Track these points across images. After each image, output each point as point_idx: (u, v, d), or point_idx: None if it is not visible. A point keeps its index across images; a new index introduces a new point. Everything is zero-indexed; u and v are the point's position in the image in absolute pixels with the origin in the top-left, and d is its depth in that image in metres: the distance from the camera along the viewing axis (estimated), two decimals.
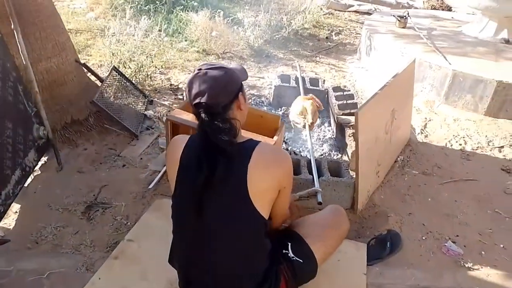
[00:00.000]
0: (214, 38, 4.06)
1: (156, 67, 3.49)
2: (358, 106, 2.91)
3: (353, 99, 3.04)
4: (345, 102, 2.97)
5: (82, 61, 3.58)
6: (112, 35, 3.33)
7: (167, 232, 1.50)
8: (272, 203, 1.38)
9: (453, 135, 3.03)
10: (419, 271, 1.90)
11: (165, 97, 3.23)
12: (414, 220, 2.22)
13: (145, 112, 2.95)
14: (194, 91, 1.32)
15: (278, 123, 2.08)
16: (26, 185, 2.18)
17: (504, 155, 2.85)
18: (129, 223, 2.02)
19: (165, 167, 2.38)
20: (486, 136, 3.02)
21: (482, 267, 1.94)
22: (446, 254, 2.02)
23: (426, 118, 3.23)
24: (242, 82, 1.42)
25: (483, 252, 2.04)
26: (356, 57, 4.32)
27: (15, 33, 2.17)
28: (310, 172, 2.23)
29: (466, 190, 2.50)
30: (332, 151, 2.78)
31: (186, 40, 4.09)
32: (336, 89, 3.19)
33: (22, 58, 2.20)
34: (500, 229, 2.21)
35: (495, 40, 3.95)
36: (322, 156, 2.70)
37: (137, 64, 3.18)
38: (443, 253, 2.02)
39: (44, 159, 2.42)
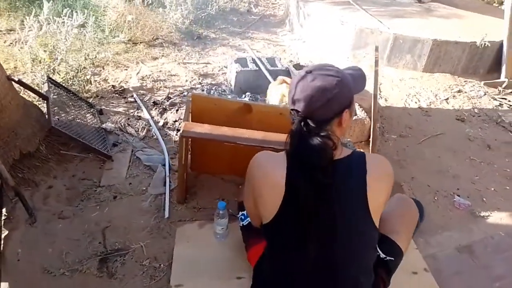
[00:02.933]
0: (138, 24, 3.53)
1: (86, 68, 2.90)
2: None
3: None
4: None
5: None
6: (26, 38, 2.62)
7: (210, 260, 1.37)
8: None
9: (406, 95, 3.27)
10: (453, 232, 2.04)
11: (113, 103, 2.73)
12: (420, 183, 2.36)
13: (103, 125, 2.46)
14: (294, 95, 1.17)
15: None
16: None
17: (452, 106, 3.19)
18: (162, 265, 1.70)
19: (166, 187, 2.04)
20: (431, 91, 3.34)
21: (491, 212, 2.18)
22: (460, 208, 2.21)
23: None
24: (354, 95, 1.25)
25: (484, 199, 2.28)
26: (287, 28, 4.27)
27: None
28: None
29: (440, 145, 2.75)
30: None
31: (103, 31, 3.48)
32: (297, 66, 3.11)
33: None
34: (483, 174, 2.50)
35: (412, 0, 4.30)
36: None
37: (72, 68, 2.59)
38: (457, 208, 2.21)
39: (3, 212, 1.85)
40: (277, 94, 2.64)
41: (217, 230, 1.75)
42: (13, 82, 2.07)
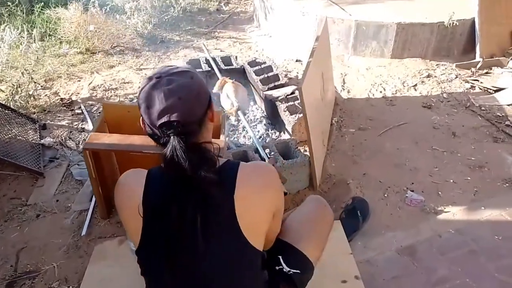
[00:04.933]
0: (95, 33, 3.49)
1: (35, 83, 2.86)
2: (280, 78, 2.77)
3: (272, 71, 2.87)
4: (266, 75, 2.79)
5: None
6: None
7: (124, 279, 1.18)
8: (266, 231, 1.15)
9: (371, 84, 3.09)
10: (397, 231, 1.88)
11: (59, 116, 2.68)
12: (370, 180, 2.20)
13: (42, 141, 2.41)
14: (158, 107, 0.98)
15: (220, 119, 1.81)
16: None
17: (420, 93, 2.99)
18: (71, 287, 1.62)
19: (92, 202, 1.96)
20: (399, 78, 3.14)
21: (445, 207, 2.00)
22: (411, 205, 2.04)
23: (341, 74, 3.23)
24: None
25: (440, 193, 2.11)
26: (255, 24, 4.14)
27: None
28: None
29: (402, 135, 2.57)
30: (268, 130, 2.61)
31: (61, 43, 3.45)
32: (252, 63, 2.98)
33: None
34: (444, 164, 2.31)
35: None
36: (261, 140, 2.52)
37: (12, 84, 2.55)
38: (408, 204, 2.04)
39: None
40: (224, 97, 2.53)
41: (131, 246, 1.65)
42: None
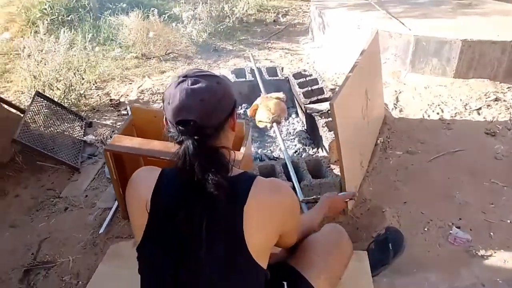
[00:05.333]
0: (154, 39, 3.63)
1: (90, 83, 3.03)
2: (325, 91, 2.64)
3: (318, 84, 2.74)
4: (309, 88, 2.68)
5: (1, 90, 3.08)
6: (28, 56, 2.83)
7: (131, 281, 1.13)
8: (271, 249, 1.08)
9: (428, 104, 2.83)
10: (432, 272, 1.65)
11: (106, 116, 2.80)
12: (411, 210, 1.98)
13: (84, 137, 2.51)
14: (177, 104, 0.96)
15: (243, 130, 1.74)
16: None
17: (484, 117, 2.67)
18: (80, 282, 1.63)
19: (116, 202, 1.98)
20: (461, 99, 2.84)
21: (495, 252, 1.72)
22: (454, 244, 1.78)
23: (396, 91, 3.01)
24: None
25: (492, 233, 1.82)
26: (309, 37, 4.04)
27: None
28: (289, 178, 1.92)
29: (456, 163, 2.29)
30: (306, 146, 2.48)
31: (121, 47, 3.64)
32: (297, 75, 2.89)
33: None
34: (502, 201, 2.01)
35: None
36: (297, 154, 2.40)
37: (65, 83, 2.71)
38: (451, 243, 1.79)
39: None
40: (264, 110, 2.44)
41: None
42: None
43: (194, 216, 0.96)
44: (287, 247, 1.26)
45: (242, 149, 1.66)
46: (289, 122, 2.74)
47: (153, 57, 3.57)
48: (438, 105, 2.81)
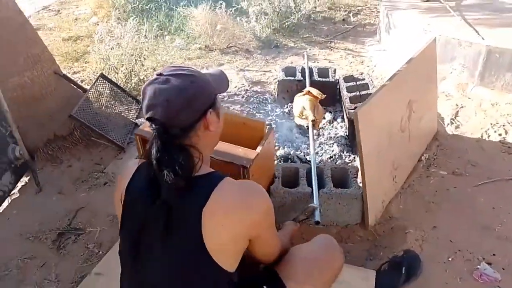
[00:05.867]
0: (218, 32, 3.76)
1: (153, 69, 3.25)
2: None
3: (368, 89, 2.63)
4: (357, 93, 2.58)
5: (79, 70, 3.44)
6: (100, 40, 3.12)
7: None
8: (241, 252, 1.08)
9: (491, 123, 2.55)
10: None
11: None
12: (440, 236, 1.83)
13: (136, 120, 2.72)
14: (147, 101, 1.01)
15: (263, 130, 1.76)
16: (0, 210, 2.02)
17: None
18: (101, 252, 1.80)
19: None
20: None
21: None
22: (479, 280, 1.62)
23: (457, 105, 2.76)
24: (218, 95, 1.12)
25: None
26: (376, 38, 3.85)
27: None
28: (310, 184, 1.90)
29: (508, 193, 2.06)
30: (343, 152, 2.41)
31: (188, 37, 3.83)
32: (348, 79, 2.80)
33: None
34: None
35: None
36: (332, 160, 2.34)
37: (127, 68, 2.95)
38: (475, 279, 1.63)
39: (25, 179, 2.26)
40: (298, 106, 2.44)
41: None
42: (60, 76, 2.50)
43: (150, 212, 1.00)
44: (268, 260, 1.22)
45: (258, 149, 1.68)
46: (332, 126, 2.67)
47: (215, 49, 3.70)
48: (503, 125, 2.52)
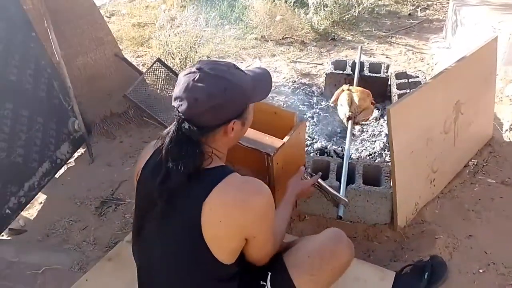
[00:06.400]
0: (276, 23, 3.79)
1: (208, 57, 3.38)
2: None
3: None
4: (408, 91, 2.46)
5: (142, 54, 3.69)
6: (161, 27, 3.31)
7: None
8: (239, 250, 1.11)
9: None
10: None
11: None
12: (474, 246, 1.72)
13: None
14: (177, 92, 1.05)
15: (294, 120, 1.76)
16: (57, 176, 2.27)
17: None
18: None
19: None
20: None
21: None
22: None
23: None
24: (250, 104, 1.14)
25: None
26: (441, 35, 3.61)
27: (48, 31, 2.24)
28: (339, 178, 1.87)
29: None
30: (384, 151, 2.33)
31: (246, 27, 3.90)
32: (400, 75, 2.68)
33: (56, 55, 2.27)
34: None
35: None
36: (371, 158, 2.27)
37: (183, 55, 3.10)
38: None
39: (81, 151, 2.50)
40: (345, 95, 2.37)
41: None
42: (120, 59, 2.71)
43: (155, 193, 1.04)
44: (259, 263, 1.21)
45: (286, 138, 1.69)
46: (378, 123, 2.59)
47: (271, 40, 3.73)
48: None
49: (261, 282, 1.23)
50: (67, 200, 2.13)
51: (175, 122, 1.06)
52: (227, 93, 1.03)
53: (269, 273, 1.24)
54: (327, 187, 1.59)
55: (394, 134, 1.62)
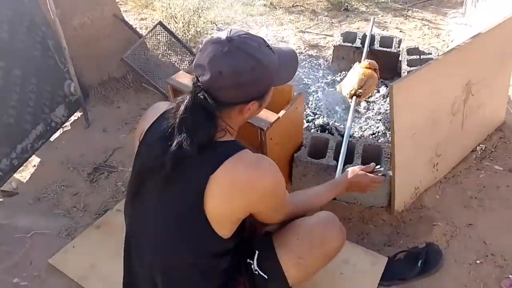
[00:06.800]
0: None
1: (212, 23, 3.25)
2: None
3: None
4: (418, 68, 2.33)
5: (146, 16, 3.56)
6: None
7: None
8: (238, 222, 1.08)
9: None
10: None
11: None
12: (473, 235, 1.66)
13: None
14: (201, 60, 0.98)
15: (291, 94, 1.67)
16: (52, 139, 2.23)
17: None
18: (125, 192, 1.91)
19: None
20: None
21: None
22: None
23: None
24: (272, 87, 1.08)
25: None
26: (461, 10, 3.41)
27: None
28: (337, 157, 1.80)
29: None
30: (389, 131, 2.23)
31: None
32: (412, 51, 2.54)
33: (51, 12, 2.17)
34: None
35: None
36: (374, 137, 2.18)
37: (185, 19, 2.97)
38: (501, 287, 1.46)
39: (78, 114, 2.44)
40: (355, 74, 2.24)
41: None
42: (120, 20, 2.60)
43: (159, 159, 1.00)
44: (271, 223, 1.22)
45: (281, 113, 1.61)
46: (385, 101, 2.48)
47: (280, 8, 3.57)
48: None
49: (248, 260, 1.21)
50: (60, 165, 2.09)
51: (191, 90, 1.00)
52: (254, 73, 0.98)
53: (257, 252, 1.21)
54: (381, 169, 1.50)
55: (396, 113, 1.52)
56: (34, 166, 2.10)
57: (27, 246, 1.66)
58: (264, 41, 1.04)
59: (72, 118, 2.39)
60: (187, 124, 0.98)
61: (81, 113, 2.42)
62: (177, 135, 0.98)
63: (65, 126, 2.34)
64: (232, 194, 0.99)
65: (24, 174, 2.05)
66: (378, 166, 1.49)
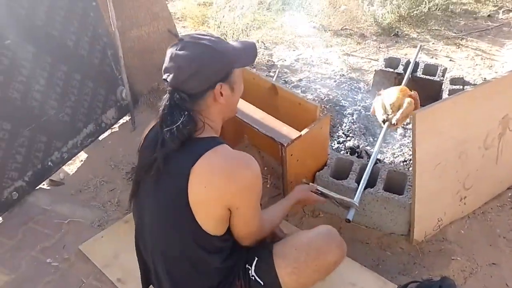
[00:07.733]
0: (340, 13, 3.67)
1: (260, 42, 3.38)
2: None
3: None
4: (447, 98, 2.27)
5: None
6: (220, 9, 3.37)
7: None
8: (224, 221, 1.15)
9: None
10: None
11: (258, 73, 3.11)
12: (495, 275, 1.58)
13: None
14: (164, 64, 1.16)
15: (316, 114, 1.72)
16: (100, 138, 2.45)
17: None
18: None
19: None
20: None
21: None
22: None
23: None
24: (237, 68, 1.18)
25: None
26: None
27: (108, 1, 2.39)
28: (359, 180, 1.80)
29: None
30: None
31: (308, 15, 3.83)
32: (456, 81, 2.47)
33: (112, 25, 2.42)
34: None
35: None
36: (404, 163, 2.15)
37: (234, 36, 3.13)
38: None
39: (127, 118, 2.66)
40: (394, 96, 2.22)
41: None
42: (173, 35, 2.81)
43: (151, 158, 1.11)
44: (245, 236, 1.23)
45: (304, 131, 1.67)
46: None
47: (329, 30, 3.62)
48: None
49: (247, 265, 1.27)
50: (103, 162, 2.29)
51: (166, 94, 1.14)
52: (207, 54, 1.09)
53: (256, 258, 1.27)
54: (330, 193, 1.57)
55: (418, 141, 1.51)
56: (81, 161, 2.32)
57: (63, 231, 1.85)
58: (217, 36, 1.16)
59: (121, 121, 2.61)
60: (167, 122, 1.09)
61: (129, 117, 2.64)
62: (160, 133, 1.10)
63: (114, 127, 2.56)
64: (211, 183, 1.07)
65: (71, 167, 2.28)
66: (321, 188, 1.57)
